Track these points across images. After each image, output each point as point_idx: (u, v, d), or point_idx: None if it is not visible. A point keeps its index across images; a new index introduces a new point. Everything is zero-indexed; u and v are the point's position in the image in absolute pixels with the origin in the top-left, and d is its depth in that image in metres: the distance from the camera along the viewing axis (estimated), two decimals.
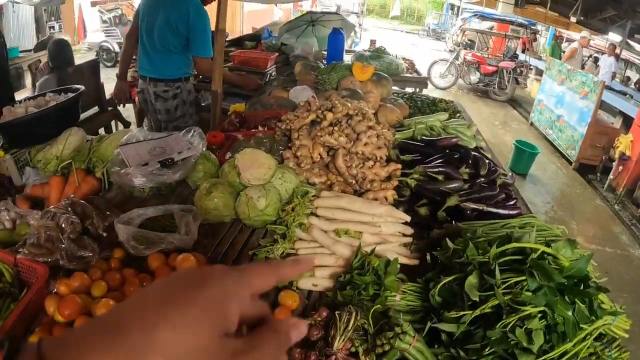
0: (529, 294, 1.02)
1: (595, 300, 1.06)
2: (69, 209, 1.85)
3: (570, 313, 1.00)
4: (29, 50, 7.62)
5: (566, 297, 1.03)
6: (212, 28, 3.46)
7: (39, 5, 8.62)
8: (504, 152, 7.88)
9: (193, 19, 3.23)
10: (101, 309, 1.37)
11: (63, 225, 1.73)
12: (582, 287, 1.05)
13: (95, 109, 4.87)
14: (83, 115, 4.59)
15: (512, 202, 2.14)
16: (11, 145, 2.50)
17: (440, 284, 1.18)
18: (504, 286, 1.06)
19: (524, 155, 6.97)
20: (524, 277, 1.05)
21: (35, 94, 3.33)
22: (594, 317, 1.05)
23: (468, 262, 1.16)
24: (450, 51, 14.28)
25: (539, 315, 1.01)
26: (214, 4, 3.56)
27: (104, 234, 1.82)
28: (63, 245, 1.64)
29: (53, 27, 12.45)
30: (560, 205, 6.32)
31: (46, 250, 1.64)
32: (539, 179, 7.11)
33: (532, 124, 9.82)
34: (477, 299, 1.08)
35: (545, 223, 1.79)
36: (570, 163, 7.72)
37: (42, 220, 1.75)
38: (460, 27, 14.78)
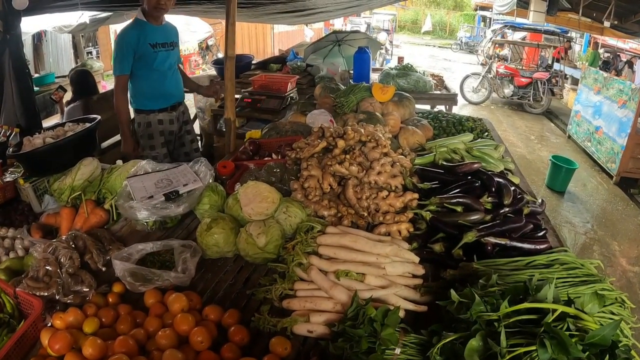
0: None
1: None
2: (71, 242, 1.87)
3: None
4: (65, 76, 7.89)
5: None
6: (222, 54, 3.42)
7: (73, 33, 8.96)
8: (540, 169, 7.56)
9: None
10: (88, 348, 1.36)
11: (62, 259, 1.74)
12: (607, 359, 0.89)
13: None
14: (109, 141, 4.69)
15: (540, 234, 1.96)
16: (31, 174, 2.57)
17: (441, 343, 1.04)
18: (510, 356, 0.91)
19: (561, 171, 6.63)
20: (534, 347, 0.90)
21: (62, 121, 3.40)
22: None
23: (473, 320, 1.02)
24: (482, 64, 13.96)
25: None
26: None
27: (103, 269, 1.82)
28: (60, 280, 1.65)
29: (90, 53, 12.95)
30: (600, 224, 5.95)
31: (44, 284, 1.65)
32: (577, 196, 6.75)
33: (569, 136, 9.40)
34: None
35: (576, 258, 1.61)
36: (611, 177, 7.31)
37: (44, 254, 1.77)
38: (491, 39, 14.45)
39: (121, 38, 3.22)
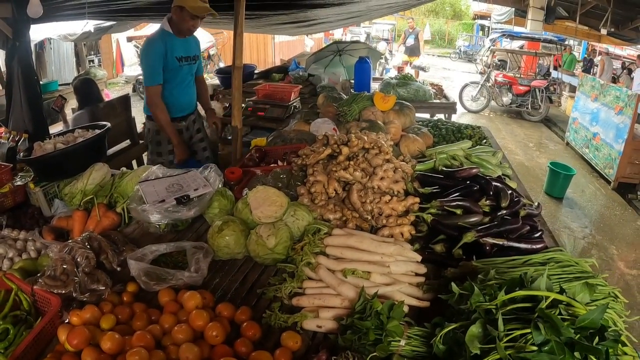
0: (535, 348, 0.95)
1: (613, 354, 0.97)
2: (87, 243, 1.93)
3: None
4: (68, 84, 7.97)
5: (577, 354, 0.95)
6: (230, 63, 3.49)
7: (77, 41, 9.08)
8: (539, 176, 7.64)
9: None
10: (106, 342, 1.42)
11: (78, 259, 1.81)
12: (596, 340, 0.97)
13: (127, 142, 5.03)
14: (115, 148, 4.76)
15: (536, 235, 2.04)
16: (41, 179, 2.61)
17: (444, 331, 1.12)
18: (507, 339, 0.99)
19: (559, 178, 6.72)
20: (529, 330, 0.98)
21: (69, 128, 3.46)
22: None
23: (473, 309, 1.10)
24: (481, 73, 14.09)
25: None
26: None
27: (118, 269, 1.89)
28: (77, 279, 1.72)
29: (92, 61, 13.07)
30: (599, 229, 6.04)
31: (61, 282, 1.71)
32: (576, 202, 6.83)
33: (568, 143, 9.50)
34: (478, 352, 1.01)
35: (572, 257, 1.68)
36: (609, 183, 7.40)
37: (60, 254, 1.83)
38: (489, 48, 14.58)
39: (150, 48, 3.22)
